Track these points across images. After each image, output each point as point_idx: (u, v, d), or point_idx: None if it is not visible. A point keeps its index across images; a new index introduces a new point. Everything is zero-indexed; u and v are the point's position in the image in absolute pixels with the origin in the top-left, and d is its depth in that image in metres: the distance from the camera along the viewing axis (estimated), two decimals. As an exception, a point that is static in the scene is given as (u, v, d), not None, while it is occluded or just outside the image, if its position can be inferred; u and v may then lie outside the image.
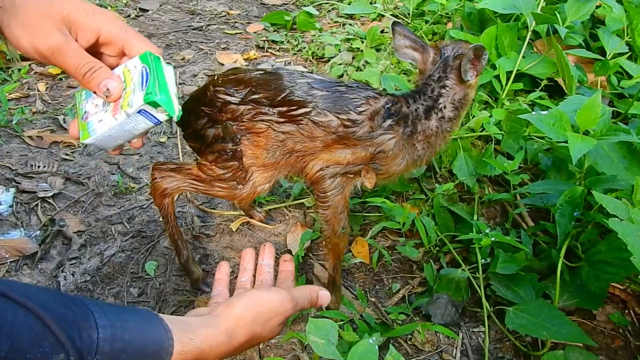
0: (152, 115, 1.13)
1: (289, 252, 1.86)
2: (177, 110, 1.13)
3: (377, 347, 1.08)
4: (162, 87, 1.10)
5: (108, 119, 1.14)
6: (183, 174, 1.56)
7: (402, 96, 1.52)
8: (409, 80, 2.35)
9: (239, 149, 1.45)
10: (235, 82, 1.44)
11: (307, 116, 1.40)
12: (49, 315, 0.90)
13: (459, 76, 1.48)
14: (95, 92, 1.14)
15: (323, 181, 1.50)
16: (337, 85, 1.45)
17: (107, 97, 1.13)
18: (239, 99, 1.42)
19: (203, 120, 1.46)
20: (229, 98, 1.42)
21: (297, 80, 1.42)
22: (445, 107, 1.49)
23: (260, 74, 1.46)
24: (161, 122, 1.16)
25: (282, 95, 1.40)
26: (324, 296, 1.35)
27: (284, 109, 1.40)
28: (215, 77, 1.48)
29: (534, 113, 1.59)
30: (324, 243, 1.67)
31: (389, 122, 1.45)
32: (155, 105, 1.10)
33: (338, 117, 1.41)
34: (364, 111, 1.43)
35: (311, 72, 1.58)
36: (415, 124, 1.48)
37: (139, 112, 1.11)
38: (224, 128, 1.44)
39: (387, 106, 1.46)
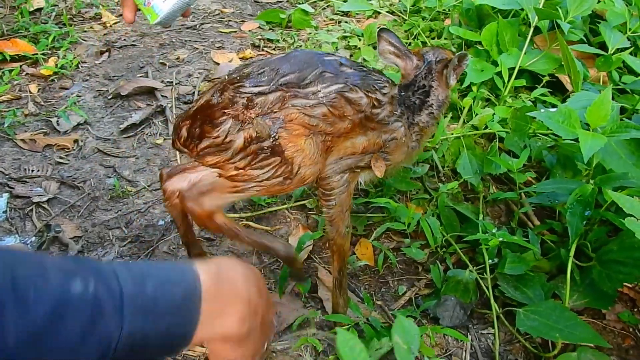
0: None
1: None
2: None
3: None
4: None
5: None
6: (219, 190, 1.44)
7: (404, 87, 1.60)
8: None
9: (278, 143, 1.34)
10: (258, 68, 1.36)
11: (340, 92, 1.38)
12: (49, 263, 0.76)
13: (440, 79, 1.59)
14: None
15: (331, 178, 1.48)
16: (361, 66, 1.50)
17: None
18: (268, 86, 1.33)
19: (226, 126, 1.33)
20: (256, 89, 1.33)
21: (324, 58, 1.42)
22: (432, 104, 1.58)
23: (282, 56, 1.42)
24: None
25: (315, 73, 1.36)
26: None
27: (315, 88, 1.36)
28: (227, 77, 1.38)
29: (542, 110, 1.57)
30: (328, 245, 1.64)
31: (400, 109, 1.53)
32: None
33: (367, 95, 1.42)
34: (386, 93, 1.48)
35: (333, 52, 1.62)
36: (414, 115, 1.57)
37: None
38: (257, 125, 1.32)
39: (401, 93, 1.55)
